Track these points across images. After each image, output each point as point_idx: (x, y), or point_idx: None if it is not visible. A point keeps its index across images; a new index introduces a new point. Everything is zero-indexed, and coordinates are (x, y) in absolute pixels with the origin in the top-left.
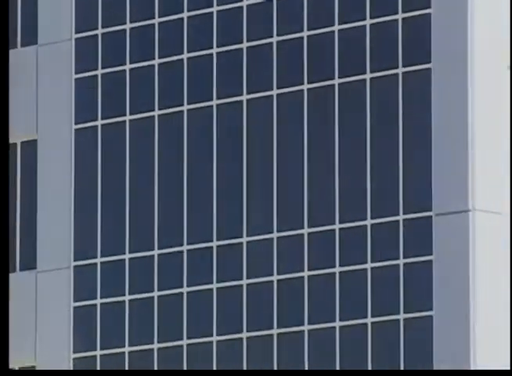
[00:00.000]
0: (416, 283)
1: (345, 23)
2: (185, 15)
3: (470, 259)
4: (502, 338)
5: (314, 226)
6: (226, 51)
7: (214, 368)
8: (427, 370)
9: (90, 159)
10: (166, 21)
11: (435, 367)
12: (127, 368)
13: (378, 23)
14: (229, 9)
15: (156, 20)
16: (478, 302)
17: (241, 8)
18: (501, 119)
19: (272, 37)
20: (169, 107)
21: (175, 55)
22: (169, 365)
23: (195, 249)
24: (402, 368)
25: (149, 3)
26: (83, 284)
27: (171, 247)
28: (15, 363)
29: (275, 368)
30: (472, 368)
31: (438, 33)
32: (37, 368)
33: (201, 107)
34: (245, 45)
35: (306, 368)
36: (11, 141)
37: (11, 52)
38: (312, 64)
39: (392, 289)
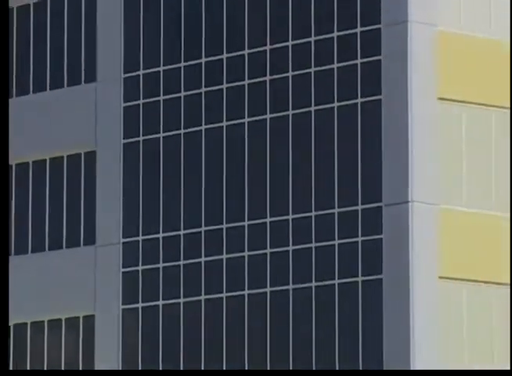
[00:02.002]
0: (370, 255)
1: (319, 66)
2: (203, 60)
3: (409, 238)
4: (432, 291)
5: (296, 213)
6: (232, 86)
7: (224, 320)
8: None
9: (134, 165)
10: (188, 65)
11: (384, 312)
12: (161, 316)
13: (343, 66)
14: (233, 57)
15: (182, 64)
16: (415, 270)
17: (243, 55)
18: (434, 131)
19: (265, 76)
20: (191, 127)
21: (195, 89)
22: (191, 314)
23: (209, 230)
24: (360, 309)
25: (175, 54)
26: (129, 255)
27: (191, 228)
28: (79, 313)
29: None
30: (411, 308)
31: (386, 73)
32: (95, 317)
33: (213, 127)
34: (246, 82)
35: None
36: (75, 152)
37: (77, 87)
38: (296, 96)
39: (353, 259)
